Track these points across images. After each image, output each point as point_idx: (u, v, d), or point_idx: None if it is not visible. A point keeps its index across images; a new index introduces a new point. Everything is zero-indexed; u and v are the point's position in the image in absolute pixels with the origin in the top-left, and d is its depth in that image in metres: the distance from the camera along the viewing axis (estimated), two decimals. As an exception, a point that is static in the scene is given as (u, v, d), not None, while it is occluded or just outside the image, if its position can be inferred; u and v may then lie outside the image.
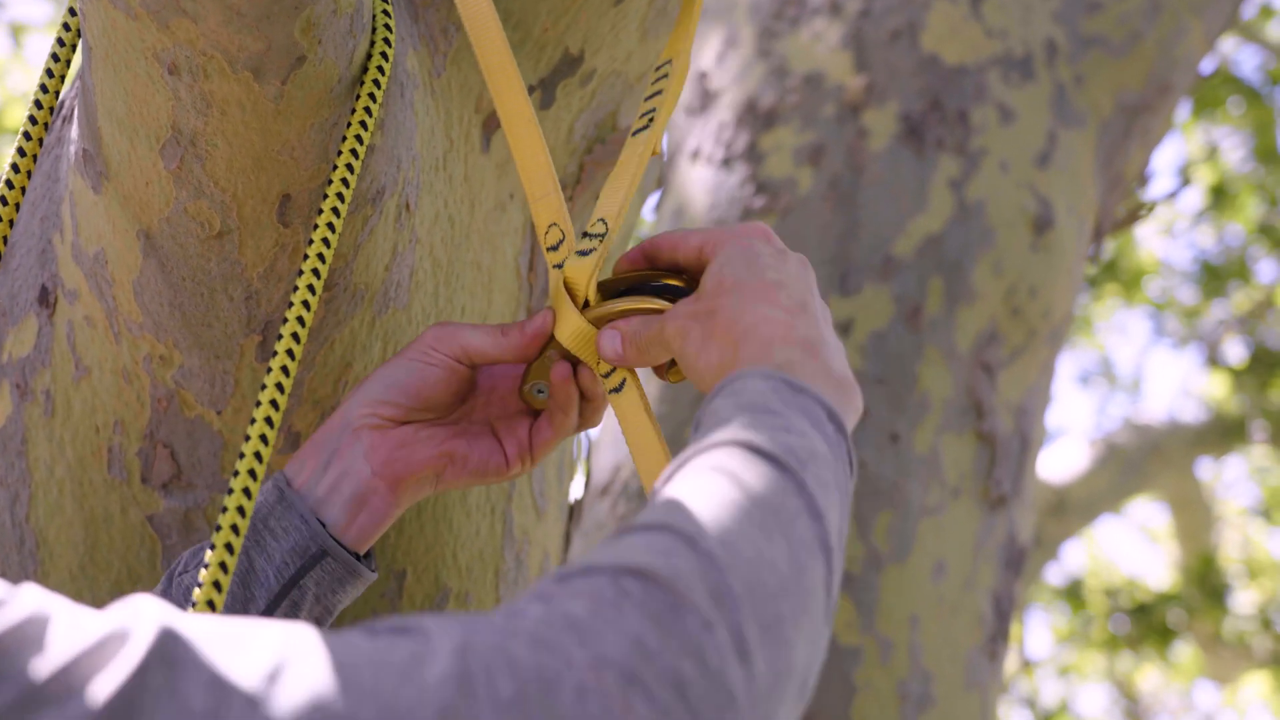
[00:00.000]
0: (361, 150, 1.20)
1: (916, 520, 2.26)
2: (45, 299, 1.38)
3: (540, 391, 1.26)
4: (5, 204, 1.20)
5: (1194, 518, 7.24)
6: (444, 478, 1.26)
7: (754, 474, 0.90)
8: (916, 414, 2.29)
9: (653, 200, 2.63)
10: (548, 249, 1.27)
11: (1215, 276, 6.71)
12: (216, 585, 1.03)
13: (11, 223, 1.20)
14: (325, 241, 1.17)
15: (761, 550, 0.84)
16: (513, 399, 1.28)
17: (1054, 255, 2.42)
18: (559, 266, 1.26)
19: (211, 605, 1.02)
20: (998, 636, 2.34)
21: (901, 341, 2.31)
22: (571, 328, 1.24)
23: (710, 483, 0.89)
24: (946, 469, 2.29)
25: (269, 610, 1.17)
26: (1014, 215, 2.40)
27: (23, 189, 1.22)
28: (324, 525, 1.20)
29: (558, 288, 1.25)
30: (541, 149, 1.28)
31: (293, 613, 1.18)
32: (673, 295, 1.21)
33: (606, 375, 1.24)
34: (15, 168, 1.23)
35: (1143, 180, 2.58)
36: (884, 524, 2.24)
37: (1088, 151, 2.50)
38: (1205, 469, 7.48)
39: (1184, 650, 7.77)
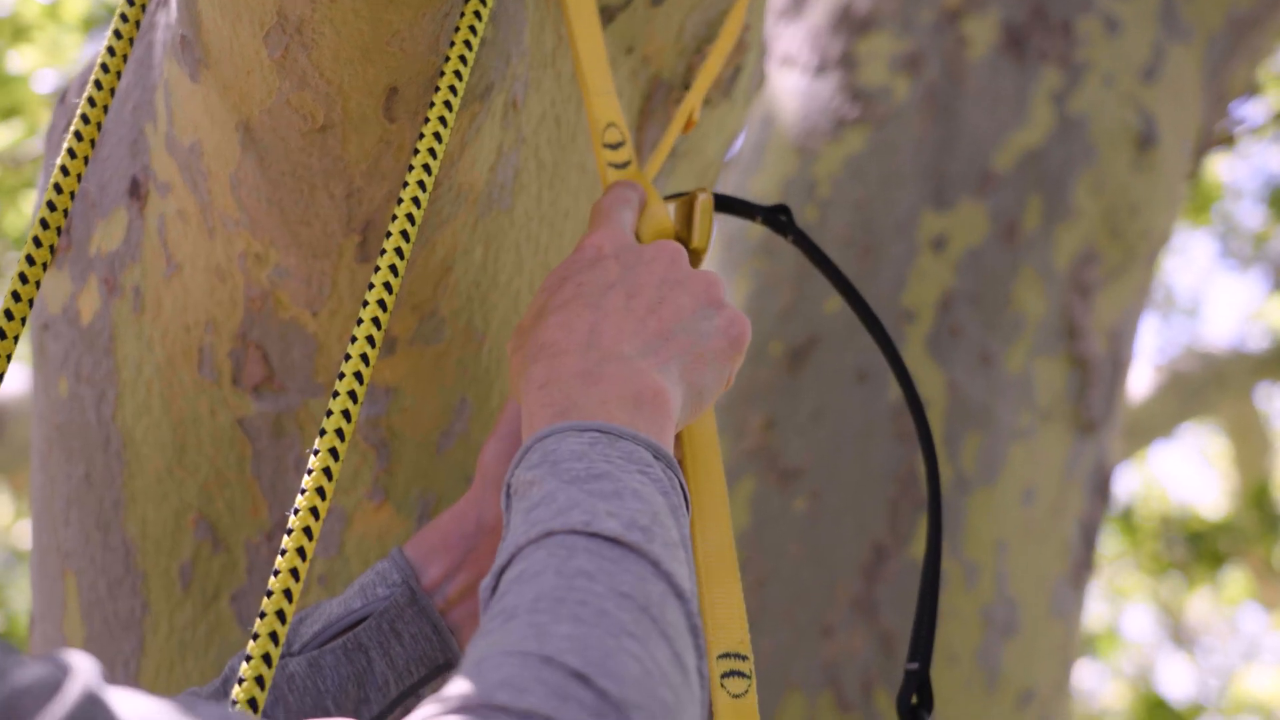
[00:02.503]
0: (475, 42, 1.14)
1: (1006, 443, 2.20)
2: (136, 191, 1.33)
3: None
4: (99, 88, 1.14)
5: (1251, 445, 7.17)
6: None
7: (610, 569, 0.83)
8: (1009, 334, 2.22)
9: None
10: (605, 146, 1.20)
11: (1285, 200, 6.58)
12: (307, 532, 0.96)
13: (105, 108, 1.14)
14: (437, 136, 1.11)
15: (646, 665, 0.77)
16: None
17: (1156, 174, 2.34)
18: (620, 166, 1.20)
19: (301, 553, 0.95)
20: (1084, 565, 2.28)
21: (997, 259, 2.24)
22: (654, 223, 1.18)
23: (572, 593, 0.81)
24: (1038, 391, 2.23)
25: (382, 715, 1.11)
26: (1116, 131, 2.32)
27: (118, 74, 1.15)
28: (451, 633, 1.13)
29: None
30: (599, 42, 1.22)
31: (402, 714, 1.12)
32: None
33: None
34: (111, 51, 1.17)
35: (1251, 95, 2.48)
36: (973, 446, 2.19)
37: (1194, 66, 2.41)
38: (1264, 396, 7.39)
39: (1233, 576, 7.72)
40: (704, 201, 1.20)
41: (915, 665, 1.10)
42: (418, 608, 1.11)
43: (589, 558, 0.83)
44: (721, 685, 1.00)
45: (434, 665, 1.11)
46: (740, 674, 1.00)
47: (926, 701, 1.09)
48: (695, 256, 1.20)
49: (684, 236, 1.19)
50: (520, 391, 1.02)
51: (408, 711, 1.12)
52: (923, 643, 1.10)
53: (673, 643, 0.81)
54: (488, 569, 1.13)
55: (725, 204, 1.24)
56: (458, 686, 0.74)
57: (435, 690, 1.11)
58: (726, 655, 1.01)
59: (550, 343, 1.02)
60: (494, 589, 0.86)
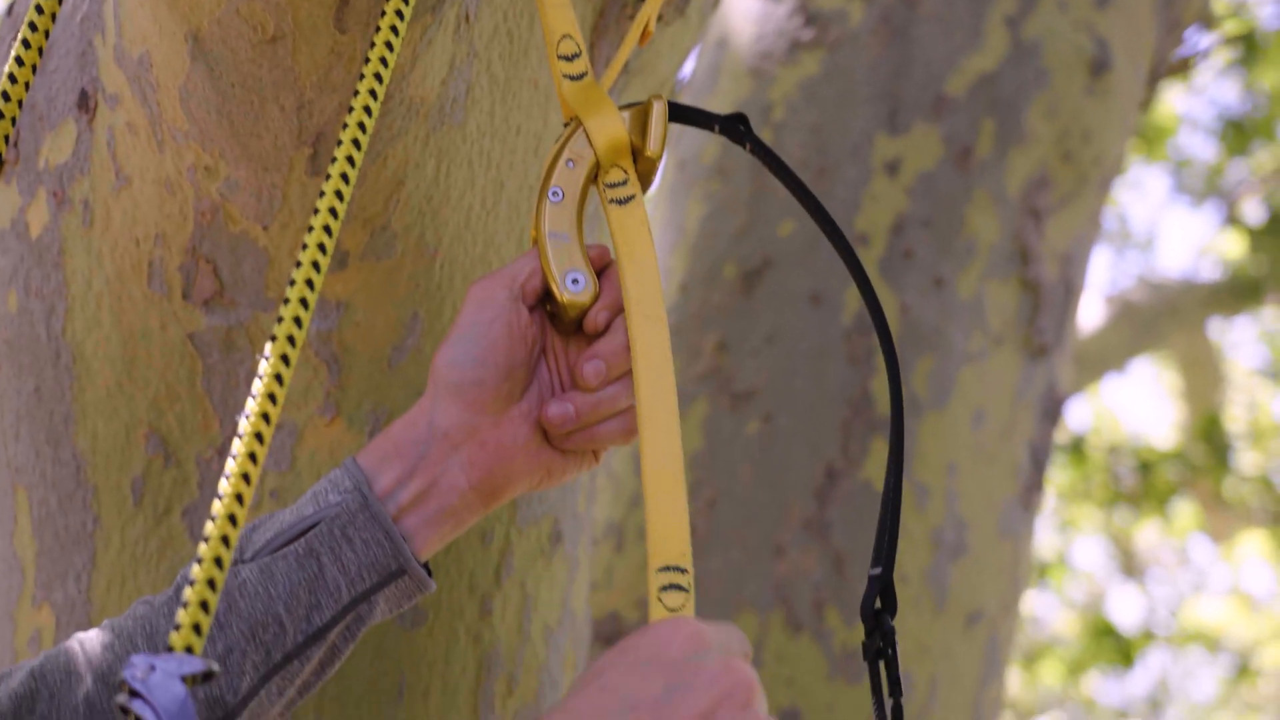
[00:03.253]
0: (426, -48, 1.13)
1: (958, 367, 2.22)
2: (85, 103, 1.32)
3: (576, 282, 1.15)
4: (44, 3, 1.13)
5: (1202, 377, 7.23)
6: (540, 485, 1.18)
7: None
8: (962, 258, 2.24)
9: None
10: (560, 58, 1.19)
11: (1239, 134, 6.61)
12: (259, 438, 0.95)
13: (54, 16, 1.13)
14: (388, 46, 1.11)
15: None
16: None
17: (1109, 99, 2.35)
18: (576, 78, 1.19)
19: (247, 480, 0.95)
20: (1033, 487, 2.31)
21: (950, 183, 2.25)
22: (607, 130, 1.18)
23: None
24: (990, 315, 2.25)
25: (334, 621, 1.10)
26: (1071, 56, 2.32)
27: (65, -17, 1.14)
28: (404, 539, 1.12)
29: (583, 98, 1.18)
30: None
31: (357, 625, 1.12)
32: None
33: (615, 185, 1.18)
34: (57, -39, 1.15)
35: (1204, 23, 2.49)
36: (925, 369, 2.20)
37: (1148, -8, 2.42)
38: (1216, 330, 7.45)
39: (1183, 507, 7.80)
40: (659, 109, 1.20)
41: (879, 570, 1.10)
42: (369, 513, 1.11)
43: None
44: (659, 599, 1.00)
45: (386, 571, 1.11)
46: (679, 587, 1.00)
47: (890, 606, 1.09)
48: (649, 164, 1.20)
49: (638, 145, 1.19)
50: None
51: (359, 618, 1.12)
52: (885, 548, 1.10)
53: None
54: (439, 475, 1.12)
55: (681, 113, 1.24)
56: None
57: (387, 596, 1.12)
58: (667, 568, 1.01)
59: None
60: None
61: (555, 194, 1.17)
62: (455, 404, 1.13)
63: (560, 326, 1.17)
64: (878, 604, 1.08)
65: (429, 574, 1.14)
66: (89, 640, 1.10)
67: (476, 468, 1.13)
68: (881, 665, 1.09)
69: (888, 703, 1.09)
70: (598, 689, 0.89)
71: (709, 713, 0.89)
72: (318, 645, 1.10)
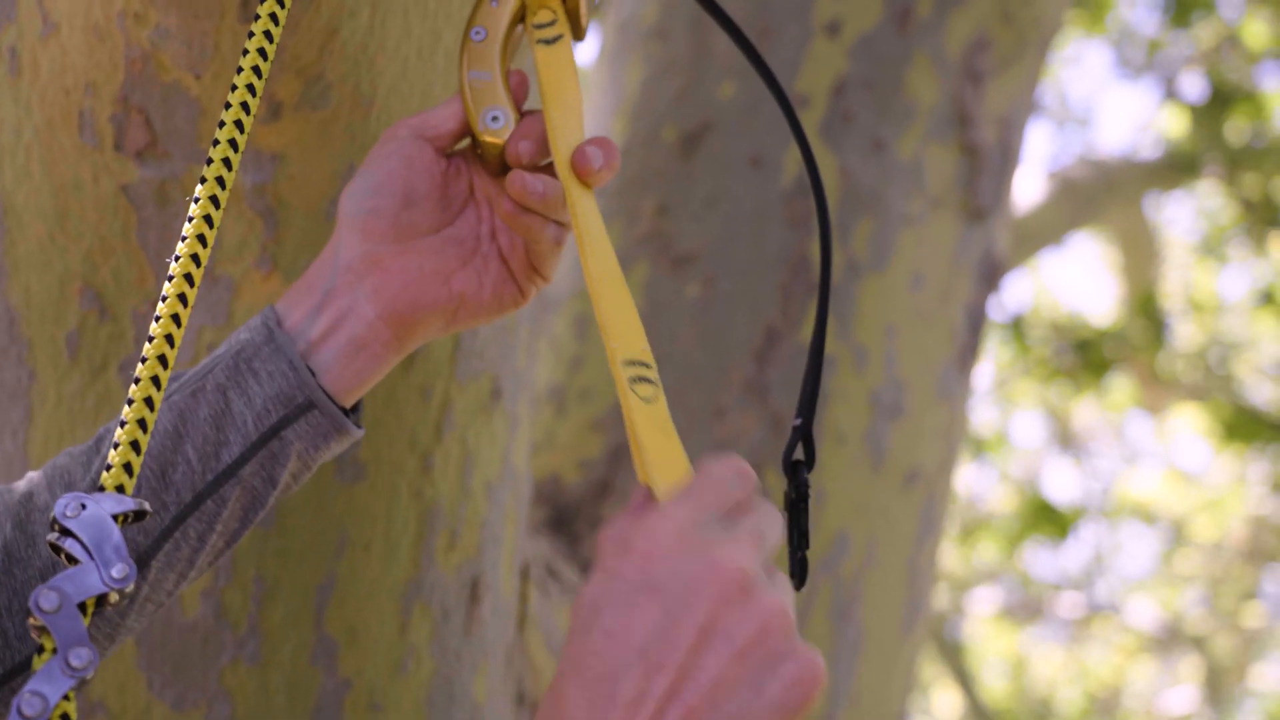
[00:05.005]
0: None
1: (897, 229, 2.22)
2: (9, -53, 1.29)
3: (495, 119, 1.14)
4: None
5: (1140, 253, 7.28)
6: (456, 319, 1.16)
7: None
8: (902, 121, 2.23)
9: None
10: None
11: (1180, 7, 6.60)
12: (182, 299, 0.95)
13: None
14: (320, -115, 1.09)
15: None
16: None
17: (1050, -40, 2.34)
18: None
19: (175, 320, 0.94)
20: (969, 350, 2.33)
21: (890, 45, 2.24)
22: None
23: None
24: (929, 178, 2.25)
25: (245, 458, 1.09)
26: (1011, -85, 2.31)
27: None
28: (313, 374, 1.10)
29: None
30: None
31: (272, 465, 1.10)
32: None
33: (543, 25, 1.17)
34: None
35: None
36: (864, 232, 2.21)
37: None
38: (1153, 205, 7.49)
39: (1119, 382, 7.89)
40: None
41: (799, 421, 1.11)
42: (274, 345, 1.10)
43: None
44: (631, 389, 1.00)
45: (293, 404, 1.09)
46: (647, 380, 1.01)
47: (809, 457, 1.10)
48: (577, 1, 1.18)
49: None
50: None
51: (272, 455, 1.11)
52: (806, 399, 1.11)
53: None
54: (347, 308, 1.12)
55: None
56: None
57: (299, 433, 1.11)
58: (632, 363, 1.02)
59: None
60: None
61: (478, 33, 1.16)
62: (355, 235, 1.13)
63: (488, 167, 1.17)
64: (798, 454, 1.09)
65: (347, 415, 1.12)
66: (10, 491, 1.10)
67: (380, 295, 1.12)
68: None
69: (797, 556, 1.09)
70: (602, 635, 0.86)
71: (709, 625, 0.86)
72: (231, 484, 1.09)
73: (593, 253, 1.08)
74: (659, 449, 0.97)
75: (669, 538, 0.88)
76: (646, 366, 1.01)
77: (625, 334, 1.03)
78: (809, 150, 1.19)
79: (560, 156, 1.11)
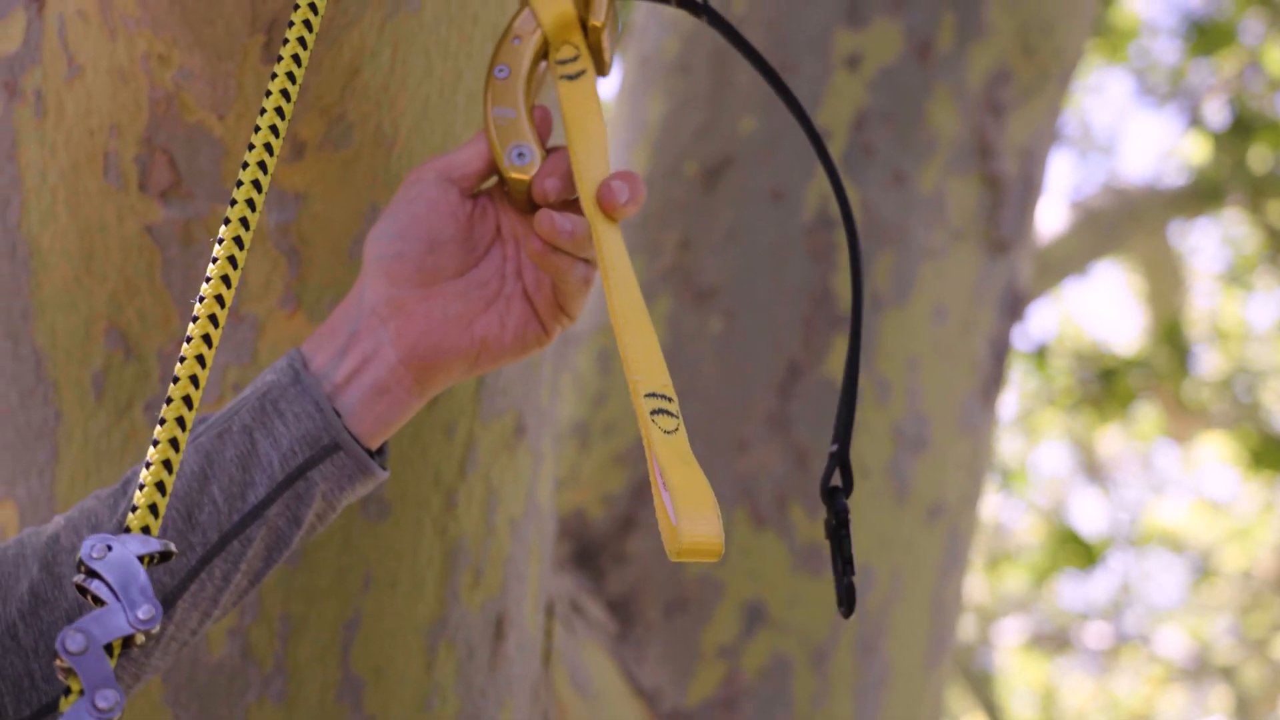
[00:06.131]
0: None
1: (918, 262, 2.22)
2: (34, -9, 1.30)
3: (521, 155, 1.14)
4: (-7, -119, 1.12)
5: (1165, 281, 7.26)
6: (479, 364, 1.16)
7: None
8: (923, 153, 2.24)
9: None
10: None
11: (1202, 36, 6.60)
12: (207, 340, 0.95)
13: (0, -98, 1.11)
14: (341, -72, 1.10)
15: None
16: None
17: (1069, -8, 2.34)
18: None
19: (202, 358, 0.94)
20: (993, 382, 2.32)
21: (910, 78, 2.24)
22: (554, 9, 1.17)
23: None
24: (950, 210, 2.25)
25: (270, 499, 1.10)
26: (1030, -52, 2.31)
27: None
28: (339, 415, 1.11)
29: None
30: None
31: (297, 506, 1.11)
32: None
33: (566, 61, 1.18)
34: None
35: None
36: (885, 265, 2.21)
37: (1108, -116, 2.40)
38: (1178, 233, 7.48)
39: (1145, 411, 7.86)
40: None
41: (835, 447, 1.10)
42: (300, 387, 1.10)
43: None
44: (653, 421, 1.01)
45: (319, 445, 1.10)
46: (668, 412, 1.01)
47: (847, 483, 1.09)
48: (595, 34, 1.19)
49: (583, 15, 1.18)
50: None
51: (298, 496, 1.11)
52: (842, 425, 1.10)
53: None
54: (371, 351, 1.13)
55: None
56: None
57: (325, 475, 1.11)
58: (653, 395, 1.02)
59: None
60: None
61: (501, 71, 1.17)
62: (380, 279, 1.14)
63: (515, 204, 1.18)
64: (834, 481, 1.09)
65: (372, 458, 1.13)
66: (37, 534, 1.11)
67: (403, 339, 1.13)
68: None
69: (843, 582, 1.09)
70: None
71: None
72: (256, 525, 1.09)
73: (617, 286, 1.08)
74: (682, 478, 0.97)
75: None
76: (668, 399, 1.02)
77: (647, 367, 1.04)
78: (838, 179, 1.19)
79: (586, 192, 1.12)
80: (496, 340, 1.16)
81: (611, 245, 1.10)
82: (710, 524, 0.95)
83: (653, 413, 1.01)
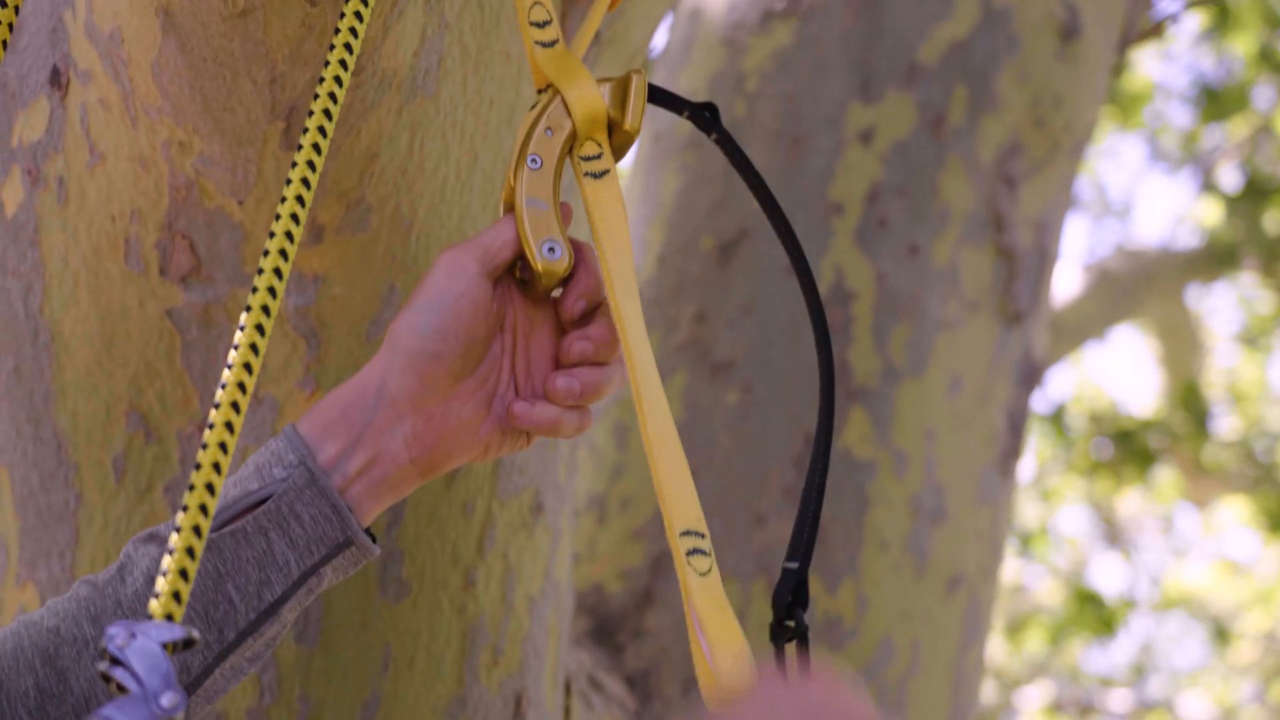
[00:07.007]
0: (395, -76, 1.14)
1: (934, 334, 2.23)
2: (57, 80, 1.32)
3: (552, 250, 1.13)
4: (17, -25, 1.13)
5: (1181, 344, 7.25)
6: (475, 461, 1.17)
7: None
8: (937, 225, 2.25)
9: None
10: (531, 25, 1.19)
11: (1214, 101, 6.62)
12: (229, 427, 0.95)
13: (24, -5, 1.13)
14: (358, 15, 1.11)
15: None
16: (546, 336, 1.18)
17: (1080, 65, 2.35)
18: (547, 45, 1.19)
19: (217, 468, 0.95)
20: (1010, 452, 2.32)
21: (924, 151, 2.26)
22: (586, 101, 1.18)
23: None
24: (965, 282, 2.26)
25: (285, 596, 1.10)
26: (1041, 22, 2.33)
27: (35, -40, 1.15)
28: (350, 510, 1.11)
29: (557, 66, 1.18)
30: None
31: (306, 596, 1.11)
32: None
33: (590, 158, 1.18)
34: (27, -63, 1.16)
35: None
36: (901, 337, 2.21)
37: (1117, -43, 2.43)
38: (1194, 296, 7.48)
39: (1164, 474, 7.83)
40: (638, 83, 1.19)
41: (795, 565, 1.10)
42: (316, 489, 1.09)
43: None
44: (688, 563, 1.01)
45: (334, 544, 1.10)
46: (702, 551, 1.02)
47: (803, 600, 1.10)
48: (625, 139, 1.19)
49: (616, 118, 1.19)
50: None
51: (309, 591, 1.11)
52: (804, 543, 1.11)
53: None
54: (385, 445, 1.11)
55: (655, 95, 1.24)
56: None
57: (335, 567, 1.11)
58: (688, 533, 1.02)
59: None
60: None
61: (534, 161, 1.16)
62: (409, 374, 1.12)
63: (531, 294, 1.18)
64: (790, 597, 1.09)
65: (374, 540, 1.14)
66: (32, 625, 1.09)
67: (419, 442, 1.12)
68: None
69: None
70: None
71: None
72: (270, 622, 1.09)
73: (651, 412, 1.08)
74: (718, 627, 0.99)
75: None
76: (701, 536, 1.02)
77: (682, 503, 1.04)
78: (818, 304, 1.19)
79: (614, 296, 1.12)
80: (497, 446, 1.16)
81: (645, 366, 1.10)
82: (746, 673, 0.97)
83: (688, 553, 1.02)
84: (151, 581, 1.07)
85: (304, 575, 1.10)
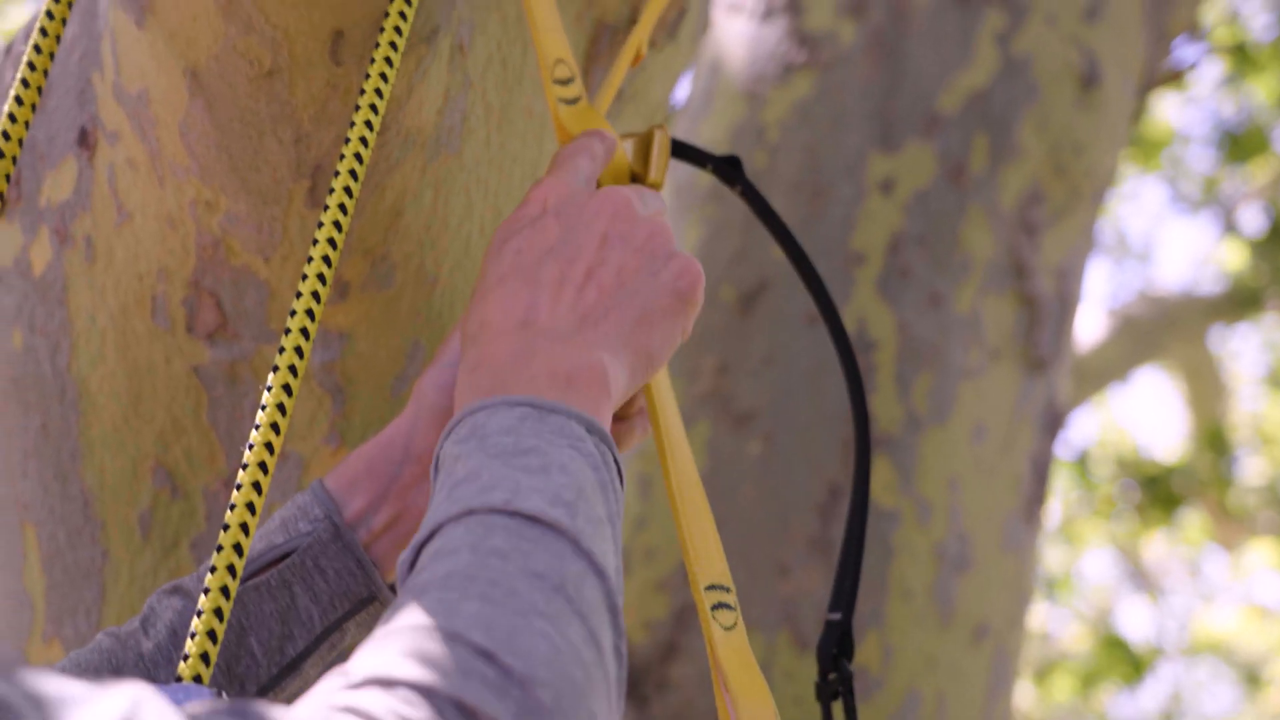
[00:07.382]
0: (418, -15, 1.15)
1: (956, 382, 2.23)
2: (85, 140, 1.33)
3: None
4: (45, 36, 1.15)
5: (1205, 388, 7.23)
6: None
7: (526, 548, 0.83)
8: (958, 274, 2.25)
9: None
10: (555, 82, 1.21)
11: (1235, 144, 6.63)
12: (256, 487, 0.97)
13: (52, 55, 1.14)
14: (383, 76, 1.12)
15: (556, 643, 0.78)
16: None
17: (1099, 113, 2.36)
18: (571, 102, 1.20)
19: (244, 529, 0.96)
20: (1035, 500, 2.32)
21: (944, 200, 2.26)
22: (612, 162, 1.19)
23: (484, 571, 0.81)
24: (987, 330, 2.26)
25: (308, 651, 1.10)
26: (1060, 71, 2.34)
27: (64, 22, 1.16)
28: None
29: (581, 122, 1.20)
30: None
31: (329, 653, 1.11)
32: None
33: None
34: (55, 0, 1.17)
35: (1193, 33, 2.51)
36: (924, 386, 2.21)
37: (1135, 4, 2.44)
38: (1217, 339, 7.46)
39: (1190, 518, 7.80)
40: (661, 137, 1.21)
41: (838, 616, 1.10)
42: (341, 544, 1.10)
43: (505, 536, 0.84)
44: (713, 617, 1.01)
45: (358, 599, 1.10)
46: (727, 605, 1.02)
47: (848, 651, 1.10)
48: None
49: (640, 173, 1.20)
50: (459, 371, 1.03)
51: (332, 647, 1.11)
52: (846, 594, 1.11)
53: (587, 620, 0.82)
54: (412, 501, 1.12)
55: (678, 149, 1.25)
56: (361, 659, 0.75)
57: (360, 623, 1.12)
58: (713, 587, 1.02)
59: (488, 323, 1.02)
60: (412, 563, 0.87)
61: None
62: (435, 429, 1.12)
63: None
64: (834, 650, 1.09)
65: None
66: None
67: None
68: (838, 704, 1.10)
69: None
70: (513, 252, 1.05)
71: (607, 233, 1.05)
72: (292, 677, 1.09)
73: (676, 466, 1.08)
74: (740, 682, 0.99)
75: (558, 184, 1.09)
76: (726, 590, 1.03)
77: (707, 557, 1.04)
78: (846, 343, 1.19)
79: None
80: None
81: (671, 424, 1.10)
82: None
83: (713, 607, 1.02)
84: (174, 634, 1.08)
85: (327, 630, 1.10)
